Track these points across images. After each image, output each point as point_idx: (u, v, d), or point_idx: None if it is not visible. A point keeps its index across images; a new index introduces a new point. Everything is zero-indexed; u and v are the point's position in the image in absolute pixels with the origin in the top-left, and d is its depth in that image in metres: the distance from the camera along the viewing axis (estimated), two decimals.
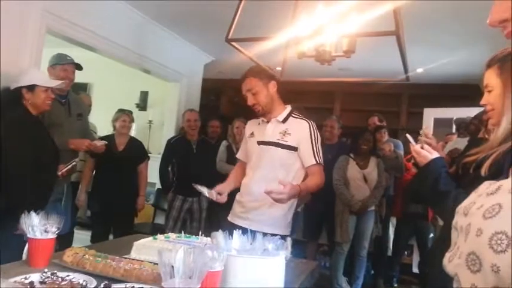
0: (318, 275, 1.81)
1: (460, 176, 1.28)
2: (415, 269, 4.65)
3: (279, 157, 2.12)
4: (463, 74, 5.30)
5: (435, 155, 1.29)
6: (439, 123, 5.49)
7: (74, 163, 2.72)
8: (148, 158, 4.03)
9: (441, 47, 4.27)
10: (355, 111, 6.09)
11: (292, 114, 2.20)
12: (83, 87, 5.63)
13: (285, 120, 2.16)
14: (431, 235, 4.22)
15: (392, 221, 4.52)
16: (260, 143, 2.17)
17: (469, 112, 4.54)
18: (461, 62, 4.82)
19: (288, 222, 2.17)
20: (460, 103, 5.07)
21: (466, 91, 5.56)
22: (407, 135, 1.45)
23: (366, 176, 3.81)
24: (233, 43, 1.03)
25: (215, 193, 2.10)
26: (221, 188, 2.16)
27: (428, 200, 1.29)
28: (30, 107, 2.40)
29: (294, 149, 2.11)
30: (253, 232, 1.30)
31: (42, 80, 2.49)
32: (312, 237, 4.18)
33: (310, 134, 2.12)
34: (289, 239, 1.29)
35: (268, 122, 2.18)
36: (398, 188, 4.29)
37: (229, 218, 2.24)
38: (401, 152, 4.58)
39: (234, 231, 1.29)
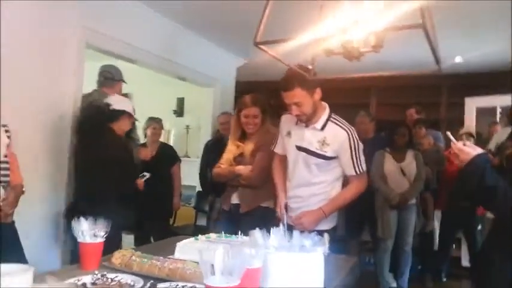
0: (358, 272, 1.80)
1: (505, 169, 1.23)
2: (465, 262, 4.50)
3: (317, 164, 2.15)
4: (502, 61, 5.05)
5: (479, 150, 1.25)
6: (482, 112, 5.28)
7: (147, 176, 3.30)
8: (180, 160, 4.21)
9: (479, 36, 4.10)
10: (392, 105, 5.95)
11: (331, 119, 2.16)
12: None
13: (323, 127, 2.14)
14: (479, 227, 4.08)
15: (437, 215, 4.39)
16: (299, 148, 2.19)
17: None
18: (501, 50, 4.60)
19: (333, 215, 2.22)
20: (504, 90, 4.84)
21: (508, 78, 5.31)
22: (448, 133, 1.43)
23: (404, 169, 3.74)
24: (261, 46, 1.06)
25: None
26: (283, 200, 2.27)
27: (476, 197, 1.24)
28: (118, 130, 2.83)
29: (332, 158, 2.14)
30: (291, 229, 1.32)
31: (130, 108, 2.91)
32: (354, 234, 4.13)
33: (350, 146, 2.10)
34: (326, 235, 1.30)
35: (306, 126, 2.17)
36: (442, 181, 4.16)
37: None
38: (441, 144, 4.44)
39: (271, 228, 1.31)
